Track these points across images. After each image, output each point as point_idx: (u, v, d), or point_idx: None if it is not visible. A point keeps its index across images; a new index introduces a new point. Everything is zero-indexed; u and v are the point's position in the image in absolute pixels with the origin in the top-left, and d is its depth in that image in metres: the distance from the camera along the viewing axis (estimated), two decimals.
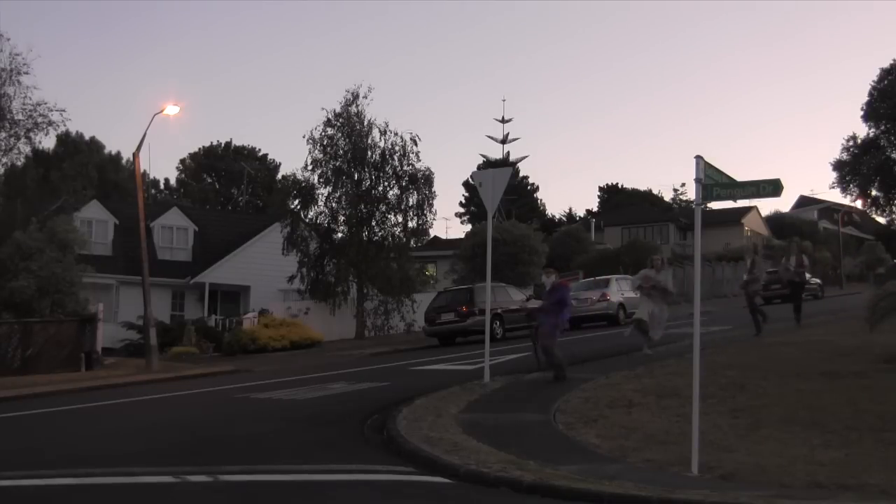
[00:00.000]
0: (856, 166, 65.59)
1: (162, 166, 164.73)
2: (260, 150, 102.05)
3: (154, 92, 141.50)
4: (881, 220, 77.79)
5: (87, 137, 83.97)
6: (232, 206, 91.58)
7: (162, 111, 35.81)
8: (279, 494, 10.92)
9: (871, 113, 64.80)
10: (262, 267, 51.97)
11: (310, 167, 47.15)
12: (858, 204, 74.85)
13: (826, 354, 21.37)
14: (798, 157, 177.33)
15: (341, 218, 47.75)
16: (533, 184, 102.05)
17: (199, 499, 10.75)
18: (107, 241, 51.89)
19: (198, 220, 57.71)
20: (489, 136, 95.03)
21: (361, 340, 44.43)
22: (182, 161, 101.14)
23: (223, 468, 12.11)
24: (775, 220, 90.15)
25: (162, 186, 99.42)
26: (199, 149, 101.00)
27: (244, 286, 53.71)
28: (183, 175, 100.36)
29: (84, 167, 77.50)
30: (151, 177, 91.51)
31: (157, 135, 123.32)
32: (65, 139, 76.87)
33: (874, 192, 67.42)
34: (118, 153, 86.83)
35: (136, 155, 36.37)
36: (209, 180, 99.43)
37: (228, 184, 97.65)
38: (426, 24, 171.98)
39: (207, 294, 52.47)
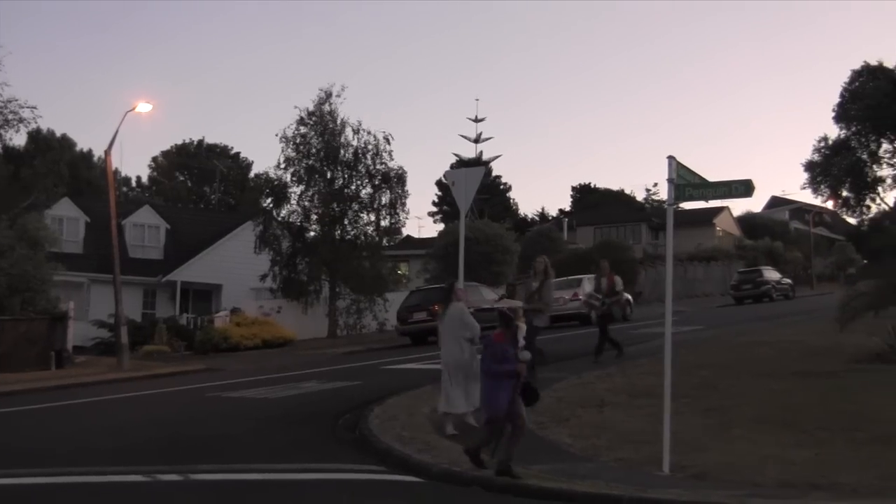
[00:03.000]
0: (827, 167, 65.85)
1: (134, 164, 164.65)
2: (232, 148, 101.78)
3: (126, 89, 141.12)
4: (852, 220, 78.04)
5: (58, 135, 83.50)
6: (204, 205, 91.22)
7: (134, 109, 35.59)
8: (251, 493, 10.89)
9: (843, 114, 65.08)
10: (235, 265, 51.76)
11: (282, 166, 47.07)
12: (829, 205, 75.15)
13: (798, 354, 21.47)
14: (770, 158, 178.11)
15: (314, 216, 47.67)
16: (506, 183, 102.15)
17: (170, 498, 10.72)
18: (78, 238, 51.57)
19: (170, 218, 57.39)
20: (462, 136, 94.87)
21: (334, 339, 44.36)
22: (154, 159, 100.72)
23: (195, 467, 12.08)
24: (747, 221, 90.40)
25: (134, 184, 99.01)
26: (172, 147, 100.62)
27: (216, 285, 53.49)
28: (155, 173, 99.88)
29: (55, 164, 77.01)
30: (123, 174, 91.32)
31: (130, 132, 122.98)
32: (36, 136, 76.26)
33: (845, 193, 67.71)
34: (90, 151, 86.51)
35: (107, 152, 36.18)
36: (181, 178, 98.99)
37: (201, 182, 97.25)
38: (400, 23, 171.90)
39: (179, 292, 52.21)
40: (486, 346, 11.21)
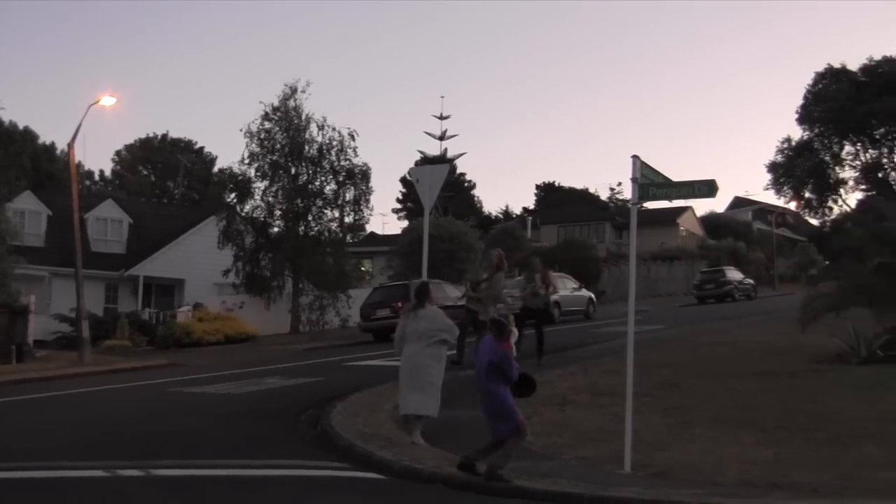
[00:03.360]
0: (790, 168, 66.45)
1: (97, 158, 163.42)
2: (197, 142, 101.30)
3: (90, 82, 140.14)
4: (814, 221, 78.81)
5: (20, 127, 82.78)
6: (168, 199, 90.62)
7: (97, 102, 35.39)
8: (212, 489, 10.85)
9: (806, 116, 65.68)
10: (198, 260, 51.54)
11: (246, 161, 46.89)
12: (792, 206, 75.81)
13: (759, 354, 21.63)
14: (733, 159, 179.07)
15: (277, 212, 47.56)
16: (470, 181, 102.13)
17: (131, 493, 10.65)
18: (40, 232, 51.22)
19: (133, 212, 57.07)
20: (427, 133, 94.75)
21: (296, 335, 44.26)
22: (118, 153, 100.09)
23: (156, 463, 12.01)
24: (710, 221, 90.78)
25: (97, 178, 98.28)
26: (135, 141, 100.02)
27: (179, 279, 53.30)
28: (118, 167, 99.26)
29: (17, 157, 76.27)
30: (86, 168, 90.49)
31: (93, 126, 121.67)
32: None
33: (807, 194, 68.39)
34: (53, 144, 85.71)
35: (70, 146, 35.95)
36: (145, 173, 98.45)
37: (164, 176, 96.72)
38: (366, 20, 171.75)
39: (142, 287, 51.97)
40: (493, 355, 10.92)
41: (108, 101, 35.85)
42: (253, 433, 14.74)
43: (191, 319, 44.32)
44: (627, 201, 15.17)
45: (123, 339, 42.19)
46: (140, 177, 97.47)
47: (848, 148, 66.35)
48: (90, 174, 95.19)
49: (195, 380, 24.39)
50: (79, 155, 37.73)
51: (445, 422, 14.23)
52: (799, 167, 65.62)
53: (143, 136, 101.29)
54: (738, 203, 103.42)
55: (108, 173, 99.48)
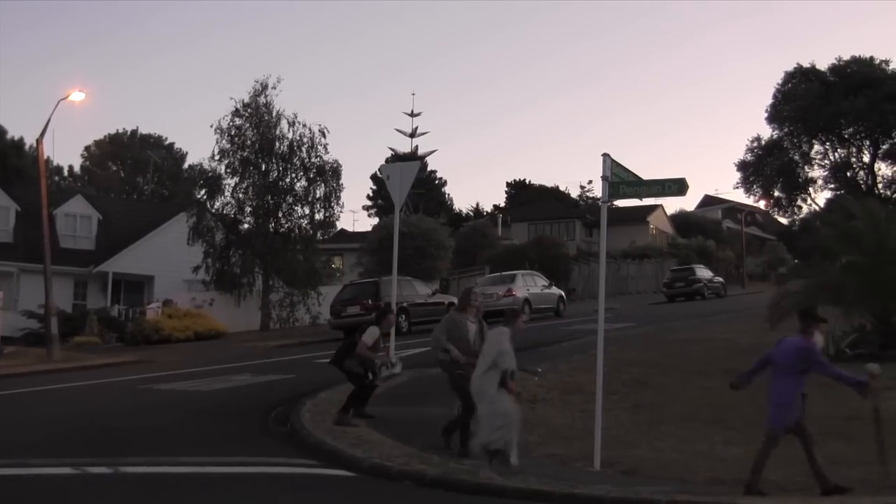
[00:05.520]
0: (759, 167, 66.63)
1: (66, 153, 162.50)
2: (167, 138, 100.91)
3: (59, 78, 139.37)
4: (783, 220, 79.07)
5: None
6: (137, 195, 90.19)
7: (67, 97, 35.19)
8: (181, 486, 10.83)
9: (776, 115, 65.89)
10: (168, 257, 51.31)
11: (217, 157, 46.68)
12: (761, 204, 76.04)
13: (728, 353, 21.71)
14: (704, 157, 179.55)
15: (248, 209, 47.36)
16: (441, 178, 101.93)
17: (100, 490, 10.63)
18: (8, 227, 50.90)
19: (102, 208, 56.71)
20: (398, 130, 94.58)
21: (266, 332, 44.12)
22: (87, 148, 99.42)
23: (125, 460, 11.99)
24: (680, 219, 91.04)
25: (66, 174, 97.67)
26: (105, 136, 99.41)
27: (148, 276, 53.04)
28: (88, 162, 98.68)
29: None
30: (55, 164, 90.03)
31: (62, 121, 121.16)
32: None
33: (777, 193, 68.56)
34: (21, 139, 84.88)
35: (39, 141, 35.76)
36: (114, 168, 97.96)
37: (134, 172, 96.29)
38: (337, 16, 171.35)
39: (111, 283, 51.70)
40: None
41: (77, 96, 35.67)
42: (222, 430, 14.72)
43: (160, 316, 44.12)
44: (598, 199, 15.23)
45: (92, 336, 42.02)
46: (110, 173, 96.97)
47: (817, 147, 66.63)
48: (59, 170, 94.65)
49: (165, 377, 24.31)
50: (48, 150, 37.56)
51: (417, 417, 14.25)
52: (768, 166, 65.82)
53: (112, 131, 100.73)
54: (708, 201, 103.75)
55: (77, 169, 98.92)
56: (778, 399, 10.12)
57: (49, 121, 35.19)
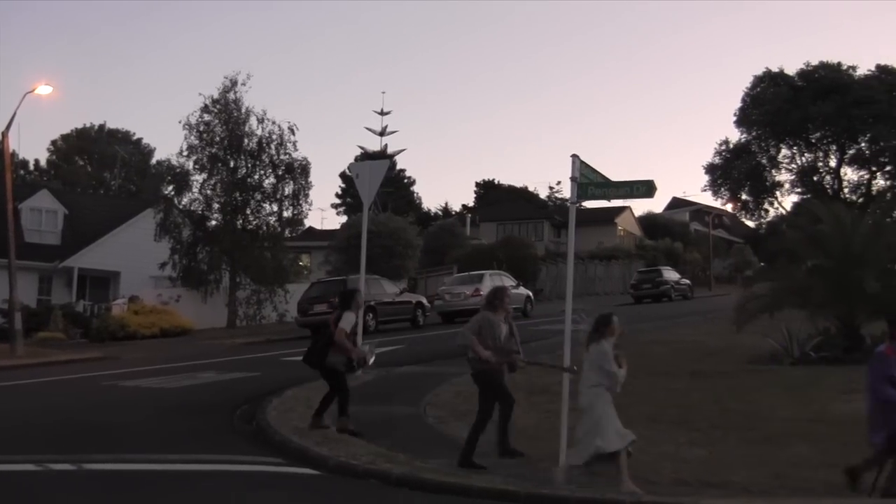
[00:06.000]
0: (727, 170, 67.05)
1: (32, 147, 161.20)
2: (134, 133, 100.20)
3: (26, 71, 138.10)
4: (750, 223, 79.51)
5: None
6: (104, 191, 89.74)
7: (33, 91, 34.99)
8: (145, 484, 10.78)
9: (744, 119, 66.36)
10: (134, 253, 51.07)
11: (185, 153, 46.53)
12: (729, 207, 76.49)
13: (694, 354, 21.83)
14: (672, 160, 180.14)
15: (216, 205, 47.22)
16: (410, 177, 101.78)
17: (63, 488, 10.55)
18: None
19: (68, 203, 56.37)
20: (367, 128, 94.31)
21: (233, 329, 44.01)
22: (53, 143, 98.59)
23: (88, 457, 11.92)
24: (648, 221, 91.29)
25: (32, 168, 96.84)
26: (72, 130, 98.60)
27: (114, 272, 52.79)
28: (54, 157, 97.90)
29: None
30: (21, 158, 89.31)
31: (28, 115, 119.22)
32: None
33: (744, 197, 69.00)
34: None
35: (4, 134, 35.48)
36: (81, 163, 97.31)
37: (101, 167, 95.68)
38: (307, 14, 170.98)
39: (76, 279, 51.46)
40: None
41: (44, 90, 35.48)
42: (188, 427, 14.67)
43: (126, 312, 43.88)
44: (566, 200, 15.20)
45: (57, 332, 41.76)
46: (76, 167, 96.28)
47: (784, 151, 67.11)
48: (25, 164, 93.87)
49: (130, 373, 24.21)
50: (13, 144, 37.21)
51: (383, 416, 14.23)
52: (736, 169, 66.26)
53: (79, 126, 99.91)
54: (676, 204, 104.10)
55: (43, 163, 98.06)
56: None
57: (15, 114, 35.00)
